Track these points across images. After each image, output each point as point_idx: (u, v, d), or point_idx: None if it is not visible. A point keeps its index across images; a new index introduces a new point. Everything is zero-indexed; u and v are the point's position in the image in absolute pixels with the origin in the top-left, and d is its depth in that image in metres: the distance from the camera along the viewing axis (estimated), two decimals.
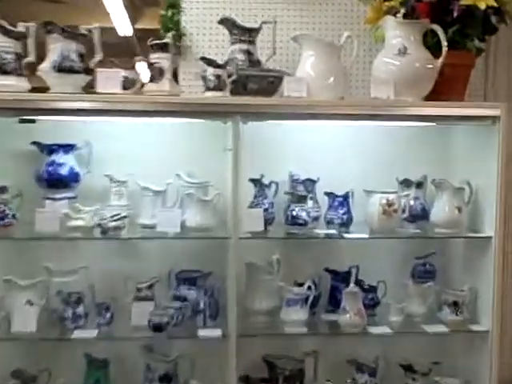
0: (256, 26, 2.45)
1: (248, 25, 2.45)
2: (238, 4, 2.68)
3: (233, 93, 2.30)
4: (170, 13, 2.69)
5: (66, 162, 2.44)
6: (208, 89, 2.24)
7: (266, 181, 2.46)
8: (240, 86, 2.33)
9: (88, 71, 2.24)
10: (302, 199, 2.39)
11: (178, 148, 2.52)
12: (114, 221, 2.28)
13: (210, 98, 2.23)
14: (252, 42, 2.43)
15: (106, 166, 2.49)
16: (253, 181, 2.44)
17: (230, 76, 2.26)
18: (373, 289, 2.54)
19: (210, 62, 2.24)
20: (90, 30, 2.24)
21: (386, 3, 2.52)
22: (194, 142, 2.50)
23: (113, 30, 6.06)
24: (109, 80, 2.19)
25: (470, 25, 2.37)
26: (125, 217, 2.32)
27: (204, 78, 2.26)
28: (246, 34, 2.42)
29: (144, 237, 2.39)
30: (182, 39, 2.67)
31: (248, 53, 2.42)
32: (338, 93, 2.33)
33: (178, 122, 2.39)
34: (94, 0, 5.32)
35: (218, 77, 2.23)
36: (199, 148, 2.50)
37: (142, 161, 2.52)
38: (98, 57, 2.25)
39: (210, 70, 2.24)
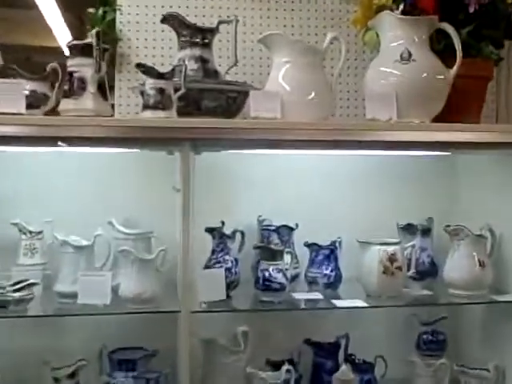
0: (211, 25, 1.87)
1: (201, 24, 1.86)
2: (189, 0, 2.10)
3: (181, 113, 1.70)
4: (101, 11, 2.09)
5: None
6: (147, 107, 1.64)
7: (227, 230, 1.85)
8: (191, 104, 1.73)
9: None
10: (276, 254, 1.79)
11: (110, 187, 1.90)
12: (17, 291, 1.64)
13: (150, 119, 1.62)
14: (207, 47, 1.85)
15: (13, 211, 1.87)
16: (210, 230, 1.83)
17: (176, 90, 1.66)
18: (369, 366, 1.95)
19: (148, 71, 1.64)
20: None
21: (376, 1, 1.98)
22: (131, 178, 1.89)
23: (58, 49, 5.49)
24: (8, 95, 1.57)
25: (490, 24, 1.83)
26: (33, 284, 1.68)
27: (142, 93, 1.67)
28: (198, 36, 1.83)
29: (57, 314, 1.76)
30: (118, 45, 2.08)
31: (202, 60, 1.83)
32: (322, 112, 1.75)
33: (109, 153, 1.77)
34: (38, 18, 4.72)
35: (160, 91, 1.63)
36: (138, 187, 1.89)
37: (63, 204, 1.90)
38: None
39: (150, 82, 1.64)
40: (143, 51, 2.09)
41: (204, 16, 2.08)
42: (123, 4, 2.08)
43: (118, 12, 2.08)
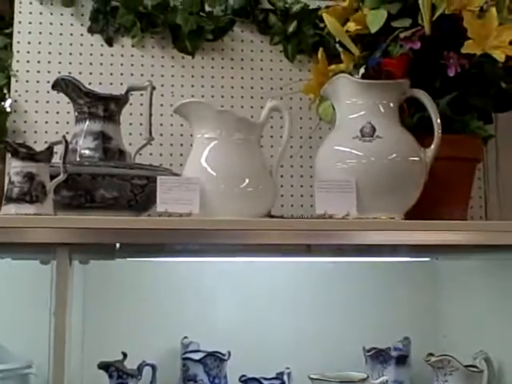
0: (117, 93, 1.45)
1: (101, 91, 1.44)
2: (97, 67, 1.69)
3: (66, 207, 1.25)
4: None
5: None
6: (10, 199, 1.18)
7: (130, 364, 1.36)
8: (79, 196, 1.28)
9: None
10: None
11: None
12: None
13: (12, 217, 1.16)
14: (110, 120, 1.41)
15: None
16: (105, 367, 1.33)
17: (55, 177, 1.21)
18: None
19: (14, 151, 1.19)
20: None
21: (333, 66, 1.59)
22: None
23: None
24: None
25: (476, 92, 1.42)
26: None
27: (9, 181, 1.21)
28: (98, 107, 1.40)
29: None
30: (11, 119, 1.65)
31: (103, 137, 1.39)
32: (258, 206, 1.30)
33: None
34: None
35: (29, 178, 1.18)
36: (6, 306, 1.41)
37: None
38: None
39: (15, 166, 1.19)
40: (43, 127, 1.66)
41: (121, 84, 1.68)
42: (20, 69, 1.67)
43: (12, 79, 1.67)
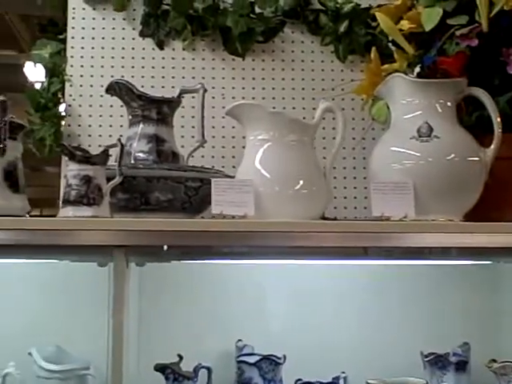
0: (169, 96, 1.46)
1: (158, 94, 1.45)
2: (149, 70, 1.70)
3: (121, 210, 1.26)
4: (45, 83, 1.70)
5: None
6: (67, 202, 1.19)
7: (186, 366, 1.36)
8: (134, 199, 1.29)
9: None
10: None
11: (29, 306, 1.43)
12: None
13: (69, 220, 1.18)
14: (163, 123, 1.42)
15: None
16: (162, 369, 1.33)
17: (111, 179, 1.22)
18: None
19: (71, 154, 1.20)
20: None
21: (386, 66, 1.56)
22: (56, 296, 1.42)
23: None
24: None
25: None
26: None
27: (66, 183, 1.23)
28: (152, 110, 1.41)
29: None
30: (66, 122, 1.68)
31: (156, 140, 1.40)
32: (313, 208, 1.29)
33: (25, 264, 1.31)
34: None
35: (86, 180, 1.19)
36: (66, 307, 1.42)
37: None
38: None
39: (72, 169, 1.20)
40: (97, 130, 1.68)
41: (173, 87, 1.68)
42: (74, 74, 1.70)
43: (67, 83, 1.70)
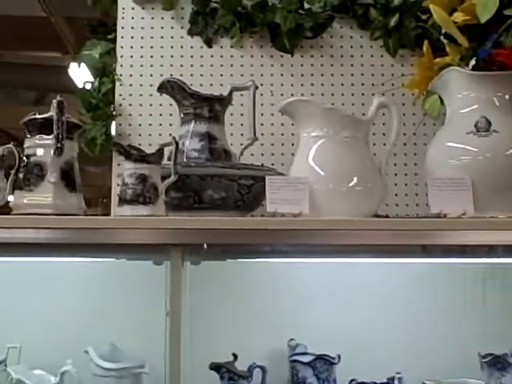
0: (217, 93, 1.45)
1: (207, 92, 1.44)
2: (198, 68, 1.71)
3: (175, 208, 1.26)
4: (96, 83, 1.71)
5: None
6: (124, 201, 1.20)
7: (241, 365, 1.35)
8: (188, 197, 1.29)
9: None
10: None
11: (85, 305, 1.45)
12: None
13: (126, 218, 1.18)
14: (215, 121, 1.42)
15: None
16: (217, 368, 1.34)
17: (167, 178, 1.22)
18: None
19: (126, 153, 1.21)
20: None
21: (438, 60, 1.52)
22: (112, 294, 1.43)
23: None
24: None
25: None
26: None
27: (122, 183, 1.23)
28: (203, 107, 1.41)
29: None
30: (117, 122, 1.69)
31: (208, 138, 1.40)
32: (368, 206, 1.27)
33: (79, 263, 1.33)
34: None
35: (142, 179, 1.19)
36: (121, 305, 1.43)
37: (29, 326, 1.46)
38: None
39: (128, 168, 1.20)
40: (147, 129, 1.69)
41: (222, 85, 1.68)
42: (124, 74, 1.71)
43: (117, 83, 1.71)
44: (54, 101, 1.20)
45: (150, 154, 1.20)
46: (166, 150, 1.28)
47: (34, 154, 1.22)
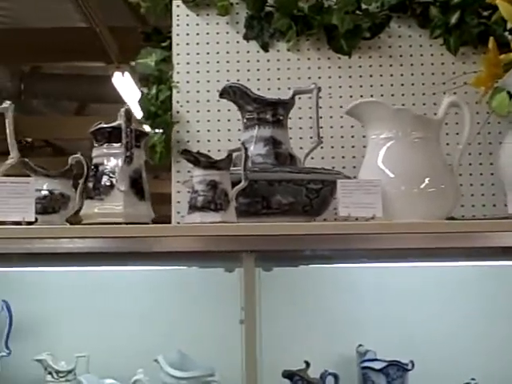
0: (285, 97, 1.43)
1: (270, 96, 1.43)
2: (254, 73, 1.69)
3: (242, 214, 1.25)
4: (154, 90, 1.71)
5: None
6: (194, 208, 1.18)
7: (313, 373, 1.33)
8: (256, 203, 1.27)
9: None
10: None
11: (155, 313, 1.44)
12: None
13: (197, 225, 1.17)
14: (279, 125, 1.40)
15: (36, 343, 1.44)
16: (290, 375, 1.31)
17: (237, 184, 1.21)
18: None
19: (195, 160, 1.20)
20: None
21: (503, 56, 1.48)
22: (183, 303, 1.42)
23: None
24: (14, 198, 1.17)
25: None
26: None
27: (192, 190, 1.22)
28: (267, 112, 1.39)
29: None
30: (174, 129, 1.68)
31: (272, 142, 1.38)
32: (442, 208, 1.24)
33: (150, 271, 1.32)
34: None
35: (213, 186, 1.18)
36: (192, 314, 1.42)
37: (99, 333, 1.46)
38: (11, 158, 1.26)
39: (198, 174, 1.19)
40: (205, 135, 1.68)
41: (279, 89, 1.67)
42: (181, 81, 1.71)
43: (174, 90, 1.71)
44: (122, 110, 1.20)
45: (220, 160, 1.19)
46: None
47: (103, 163, 1.22)
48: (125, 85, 3.96)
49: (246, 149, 1.21)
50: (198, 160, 1.19)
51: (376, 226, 1.16)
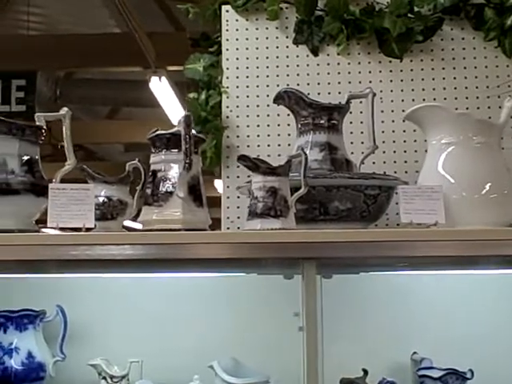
0: (335, 102, 1.42)
1: (326, 102, 1.42)
2: (304, 77, 1.68)
3: (302, 221, 1.23)
4: (203, 95, 1.71)
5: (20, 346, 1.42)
6: (254, 215, 1.18)
7: (371, 380, 1.31)
8: (313, 209, 1.26)
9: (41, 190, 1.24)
10: None
11: (211, 320, 1.43)
12: None
13: (258, 232, 1.16)
14: (334, 130, 1.39)
15: (91, 348, 1.45)
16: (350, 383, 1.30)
17: (295, 190, 1.19)
18: None
19: (254, 165, 1.19)
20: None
21: None
22: (239, 309, 1.41)
23: None
24: (73, 204, 1.17)
25: None
26: None
27: (251, 196, 1.21)
28: (322, 117, 1.38)
29: None
30: (224, 134, 1.68)
31: (328, 148, 1.37)
32: (505, 214, 1.21)
33: (208, 277, 1.32)
34: (161, 116, 4.59)
35: (272, 192, 1.17)
36: (248, 321, 1.41)
37: (153, 339, 1.46)
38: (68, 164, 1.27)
39: (257, 181, 1.18)
40: (255, 141, 1.67)
41: (329, 93, 1.66)
42: (230, 86, 1.70)
43: (224, 95, 1.70)
44: (182, 116, 1.19)
45: (279, 167, 1.18)
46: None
47: (161, 170, 1.22)
48: (162, 89, 3.98)
49: (306, 154, 1.20)
50: (258, 166, 1.18)
51: (439, 232, 1.13)
